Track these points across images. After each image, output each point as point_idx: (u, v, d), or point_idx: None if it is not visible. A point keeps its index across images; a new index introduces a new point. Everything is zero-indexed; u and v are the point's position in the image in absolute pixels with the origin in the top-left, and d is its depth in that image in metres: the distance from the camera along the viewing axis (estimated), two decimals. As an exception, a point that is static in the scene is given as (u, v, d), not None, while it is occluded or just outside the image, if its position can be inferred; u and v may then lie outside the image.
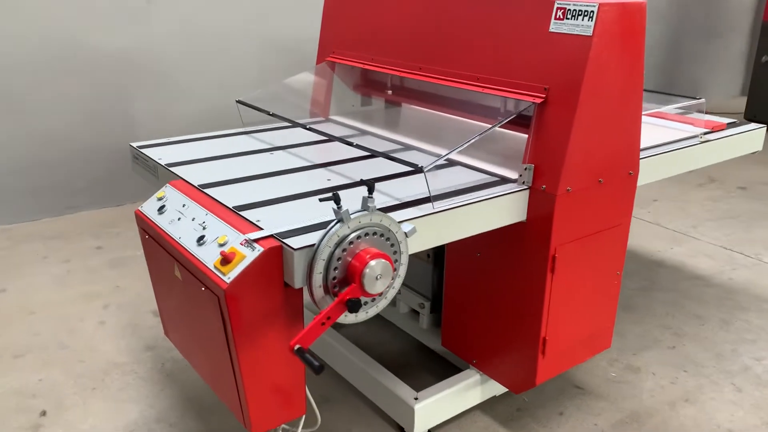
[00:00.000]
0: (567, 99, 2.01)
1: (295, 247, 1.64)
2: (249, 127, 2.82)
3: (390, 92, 2.88)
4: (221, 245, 1.74)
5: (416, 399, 2.38)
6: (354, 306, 1.63)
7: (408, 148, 2.53)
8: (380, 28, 2.71)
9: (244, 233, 1.73)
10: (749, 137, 2.97)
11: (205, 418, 2.54)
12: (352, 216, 1.64)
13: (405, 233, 1.76)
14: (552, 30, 2.06)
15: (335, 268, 1.65)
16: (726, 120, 3.02)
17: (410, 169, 2.23)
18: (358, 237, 1.66)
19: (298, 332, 1.78)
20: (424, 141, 2.53)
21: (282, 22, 5.15)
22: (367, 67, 2.75)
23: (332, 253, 1.64)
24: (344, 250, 1.65)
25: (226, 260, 1.66)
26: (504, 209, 2.09)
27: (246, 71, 5.12)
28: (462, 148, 1.99)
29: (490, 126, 2.05)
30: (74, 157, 4.61)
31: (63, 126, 4.52)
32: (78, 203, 4.68)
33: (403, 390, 2.43)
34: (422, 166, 1.90)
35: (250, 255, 1.66)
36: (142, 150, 2.48)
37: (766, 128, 3.06)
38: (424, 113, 2.78)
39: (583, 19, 1.97)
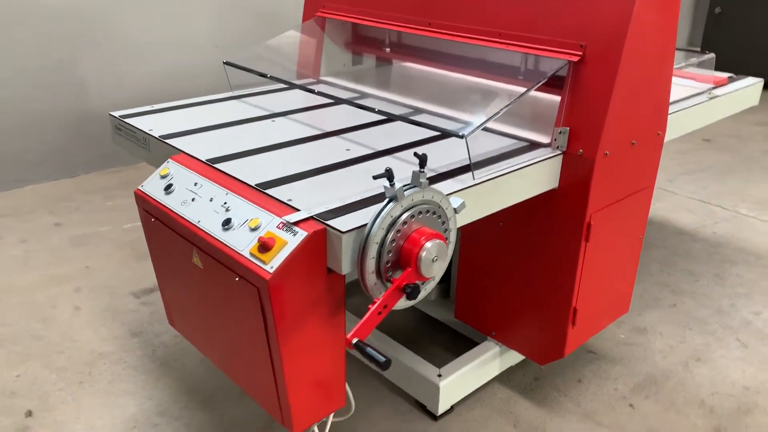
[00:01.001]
0: (607, 57, 1.88)
1: (343, 229, 1.47)
2: (237, 92, 2.58)
3: (391, 50, 2.68)
4: (253, 229, 1.55)
5: (440, 376, 2.27)
6: (414, 292, 1.49)
7: (418, 111, 2.36)
8: (379, -20, 2.49)
9: (279, 215, 1.54)
10: (748, 92, 2.94)
11: (211, 408, 2.37)
12: (405, 193, 1.48)
13: (454, 209, 1.61)
14: (589, -18, 1.91)
15: (389, 252, 1.49)
16: (725, 74, 2.97)
17: (432, 134, 2.09)
18: (412, 216, 1.50)
19: (341, 321, 1.64)
20: (438, 104, 2.36)
21: (240, -26, 4.81)
22: (365, 22, 2.53)
23: (385, 236, 1.48)
24: (398, 231, 1.49)
25: (264, 247, 1.48)
26: (540, 176, 1.96)
27: (206, 30, 4.77)
28: (501, 113, 1.83)
29: (527, 88, 1.90)
30: (21, 126, 4.21)
31: (7, 91, 4.10)
32: (27, 176, 4.29)
33: (425, 368, 2.32)
34: (463, 134, 1.74)
35: (292, 240, 1.48)
36: (127, 120, 2.22)
37: (763, 82, 3.03)
38: (432, 74, 2.60)
39: (626, -30, 1.83)
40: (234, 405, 2.38)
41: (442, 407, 2.30)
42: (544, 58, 2.04)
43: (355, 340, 1.45)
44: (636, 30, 1.85)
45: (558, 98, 2.00)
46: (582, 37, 1.93)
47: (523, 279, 2.24)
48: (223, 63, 2.50)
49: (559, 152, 1.99)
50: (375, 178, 1.48)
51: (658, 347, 2.75)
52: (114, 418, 2.32)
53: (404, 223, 1.49)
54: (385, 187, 1.48)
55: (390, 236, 1.48)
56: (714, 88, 2.74)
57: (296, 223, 1.51)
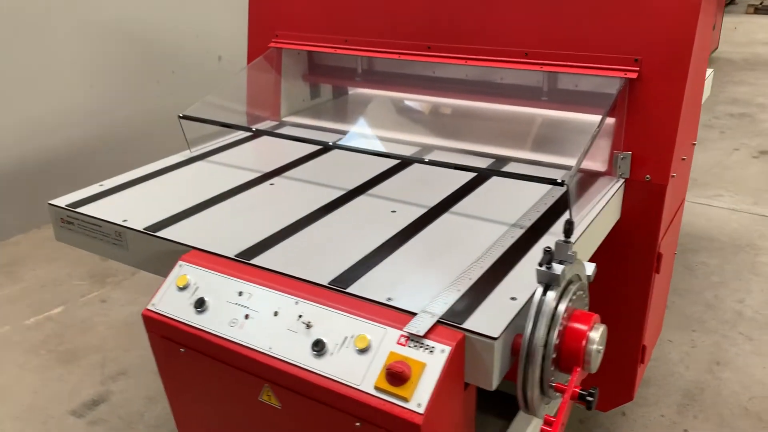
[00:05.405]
0: (672, 72, 1.67)
1: (494, 335, 1.13)
2: (195, 149, 2.10)
3: (369, 80, 2.33)
4: (363, 351, 1.16)
5: (505, 449, 1.97)
6: (593, 399, 1.17)
7: (429, 150, 2.03)
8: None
9: (394, 325, 1.17)
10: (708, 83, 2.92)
11: None
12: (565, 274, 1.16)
13: (588, 276, 1.32)
14: (639, -11, 1.69)
15: (553, 353, 1.17)
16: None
17: (470, 177, 1.78)
18: (570, 301, 1.19)
19: (472, 440, 1.29)
20: (459, 139, 2.05)
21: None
22: (341, 51, 2.16)
23: (548, 333, 1.15)
24: (560, 324, 1.17)
25: (399, 378, 1.09)
26: (611, 210, 1.73)
27: (71, 68, 4.05)
28: (589, 149, 1.56)
29: (602, 115, 1.64)
30: None
31: None
32: None
33: (486, 442, 2.01)
34: (563, 180, 1.45)
35: (431, 361, 1.11)
36: (82, 210, 1.68)
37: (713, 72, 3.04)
38: (443, 105, 2.26)
39: (686, -25, 1.63)
40: None
41: (511, 483, 2.01)
42: (589, 76, 1.80)
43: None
44: (699, 39, 1.67)
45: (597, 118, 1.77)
46: (635, 50, 1.71)
47: (579, 322, 2.00)
48: (179, 117, 2.01)
49: (622, 180, 1.77)
50: (540, 265, 1.15)
51: (676, 357, 2.65)
52: None
53: (565, 311, 1.18)
54: (538, 271, 1.15)
55: (554, 333, 1.16)
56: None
57: (425, 335, 1.14)
